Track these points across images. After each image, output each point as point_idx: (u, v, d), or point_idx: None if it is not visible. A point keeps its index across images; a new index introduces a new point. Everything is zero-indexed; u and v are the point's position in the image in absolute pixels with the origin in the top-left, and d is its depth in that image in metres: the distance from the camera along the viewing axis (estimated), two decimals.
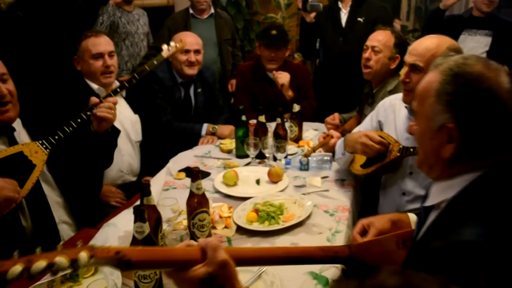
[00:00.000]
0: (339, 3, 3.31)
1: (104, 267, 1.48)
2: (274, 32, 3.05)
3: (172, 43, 2.16)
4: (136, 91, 2.66)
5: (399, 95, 2.07)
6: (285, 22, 5.49)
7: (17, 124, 1.84)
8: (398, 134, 1.97)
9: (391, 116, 2.06)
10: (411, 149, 1.82)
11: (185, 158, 2.52)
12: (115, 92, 1.96)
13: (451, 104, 0.98)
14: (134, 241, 1.32)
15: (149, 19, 4.34)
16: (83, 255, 0.77)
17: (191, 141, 2.78)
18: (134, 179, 2.58)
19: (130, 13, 3.86)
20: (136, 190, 2.44)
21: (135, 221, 1.31)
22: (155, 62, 2.11)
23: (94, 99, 1.90)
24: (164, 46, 2.13)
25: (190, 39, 2.92)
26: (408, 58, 1.79)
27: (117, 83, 2.56)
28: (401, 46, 2.51)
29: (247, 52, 5.30)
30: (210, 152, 2.63)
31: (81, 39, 2.47)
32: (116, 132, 2.05)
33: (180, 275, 0.87)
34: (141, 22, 3.92)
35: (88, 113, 1.86)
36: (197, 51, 2.92)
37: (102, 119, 1.87)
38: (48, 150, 1.78)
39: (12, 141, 1.79)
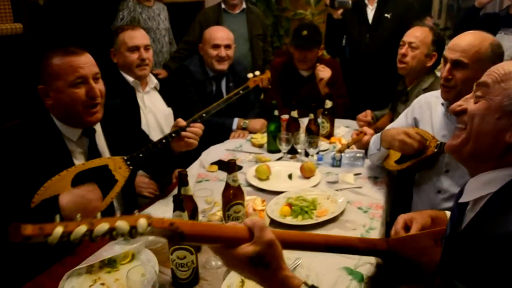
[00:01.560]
0: None
1: (141, 254, 1.51)
2: (305, 32, 3.02)
3: (257, 72, 2.26)
4: (169, 84, 2.70)
5: (435, 93, 2.05)
6: (314, 18, 5.46)
7: (98, 126, 1.84)
8: (435, 132, 1.94)
9: (427, 114, 2.03)
10: None
11: (217, 151, 2.54)
12: (200, 118, 1.97)
13: None
14: None
15: (180, 14, 4.37)
16: (142, 222, 0.79)
17: (222, 135, 2.81)
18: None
19: (151, 8, 3.77)
20: (168, 182, 2.47)
21: (174, 210, 1.33)
22: (241, 92, 2.17)
23: (181, 122, 1.90)
24: (250, 75, 2.23)
25: (220, 34, 2.93)
26: (450, 54, 1.76)
27: (152, 77, 2.60)
28: (438, 43, 2.46)
29: (276, 48, 5.29)
30: (241, 146, 2.64)
31: (118, 33, 2.52)
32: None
33: (229, 252, 0.90)
34: (161, 17, 3.84)
35: (173, 135, 1.87)
36: (227, 46, 2.93)
37: (187, 143, 1.89)
38: (131, 167, 1.78)
39: (92, 143, 1.80)
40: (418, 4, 3.58)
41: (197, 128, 1.92)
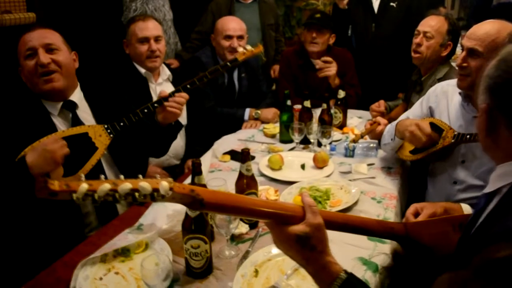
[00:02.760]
0: None
1: (155, 243, 1.52)
2: (318, 15, 3.01)
3: (248, 47, 2.13)
4: (181, 75, 2.68)
5: (452, 81, 2.02)
6: (326, 9, 5.42)
7: (81, 102, 1.89)
8: (451, 121, 1.91)
9: (443, 103, 2.00)
10: (468, 136, 1.76)
11: (229, 141, 2.53)
12: (184, 88, 1.93)
13: None
14: (187, 218, 1.34)
15: (192, 4, 4.35)
16: (165, 185, 0.78)
17: (234, 125, 2.80)
18: (178, 162, 2.61)
19: (156, 0, 3.75)
20: (181, 172, 2.47)
21: None
22: (228, 64, 2.06)
23: (164, 92, 1.90)
24: (240, 49, 2.11)
25: (233, 25, 2.91)
26: (467, 42, 1.73)
27: (164, 68, 2.59)
28: (454, 33, 2.42)
29: (288, 38, 5.25)
30: (253, 136, 2.63)
31: (129, 24, 2.51)
32: (179, 126, 2.05)
33: (280, 228, 0.95)
34: (166, 8, 3.80)
35: (156, 105, 1.86)
36: (240, 37, 2.90)
37: (170, 113, 1.88)
38: (111, 135, 1.81)
39: (75, 117, 1.84)
40: None
41: (180, 97, 1.90)
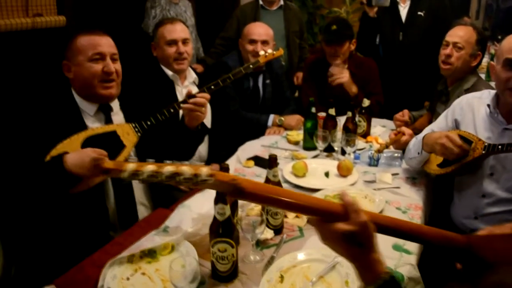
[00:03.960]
0: None
1: (181, 246, 1.53)
2: (334, 27, 2.96)
3: (269, 50, 2.17)
4: (207, 79, 2.71)
5: (477, 94, 2.02)
6: (349, 17, 5.41)
7: (115, 105, 1.95)
8: (479, 133, 1.89)
9: (469, 116, 1.98)
10: (499, 146, 1.73)
11: (252, 147, 2.54)
12: (208, 89, 1.95)
13: None
14: (215, 222, 1.36)
15: (216, 10, 4.40)
16: (205, 170, 0.81)
17: (258, 131, 2.81)
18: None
19: (177, 5, 3.83)
20: None
21: (216, 203, 1.34)
22: (251, 66, 2.10)
23: (189, 90, 1.93)
24: (261, 52, 2.14)
25: (258, 30, 2.93)
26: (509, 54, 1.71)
27: (191, 71, 2.62)
28: (482, 42, 2.40)
29: (310, 45, 5.26)
30: (277, 142, 2.64)
31: (157, 27, 2.55)
32: (205, 129, 2.07)
33: (325, 226, 0.94)
34: (188, 14, 3.88)
35: (182, 104, 1.89)
36: (264, 42, 2.92)
37: (193, 116, 1.90)
38: (139, 134, 1.85)
39: (108, 120, 1.89)
40: (455, 4, 3.53)
41: (201, 97, 1.90)
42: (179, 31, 2.51)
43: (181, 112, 1.97)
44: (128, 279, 1.40)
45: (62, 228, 1.78)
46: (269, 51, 2.17)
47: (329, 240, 0.97)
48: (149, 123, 1.87)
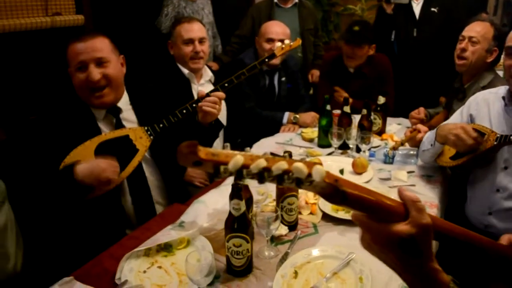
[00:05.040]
0: None
1: (196, 240, 1.55)
2: (356, 28, 2.97)
3: (286, 41, 2.10)
4: (223, 77, 2.73)
5: (493, 89, 2.01)
6: (364, 14, 5.39)
7: (124, 104, 1.92)
8: (493, 127, 1.87)
9: (484, 110, 1.96)
10: (511, 136, 1.71)
11: (267, 144, 2.56)
12: (222, 87, 1.95)
13: None
14: (230, 217, 1.37)
15: (230, 8, 4.41)
16: (320, 169, 0.66)
17: (273, 128, 2.82)
18: None
19: (195, 3, 3.82)
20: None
21: (232, 198, 1.36)
22: (266, 60, 2.05)
23: (201, 92, 1.91)
24: (278, 44, 2.09)
25: (275, 29, 2.94)
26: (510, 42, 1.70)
27: (207, 70, 2.64)
28: (500, 38, 2.36)
29: (324, 43, 5.25)
30: (291, 140, 2.65)
31: (175, 25, 2.58)
32: (220, 125, 2.07)
33: (380, 227, 0.76)
34: (205, 11, 3.88)
35: (194, 105, 1.88)
36: (281, 41, 2.91)
37: (207, 113, 1.89)
38: (152, 137, 1.85)
39: (118, 122, 1.89)
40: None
41: (215, 96, 1.89)
42: (196, 30, 2.53)
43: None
44: (144, 272, 1.43)
45: (80, 225, 1.81)
46: (286, 41, 2.12)
47: (378, 245, 0.78)
48: (161, 125, 1.85)
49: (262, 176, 0.64)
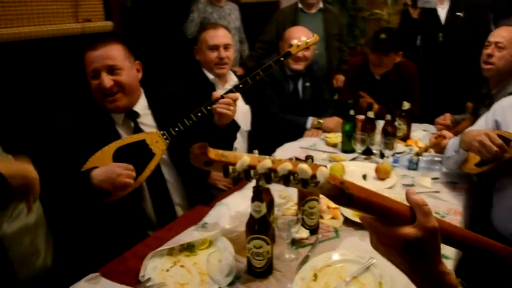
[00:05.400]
0: None
1: (218, 241, 1.58)
2: (383, 36, 2.96)
3: (303, 38, 2.07)
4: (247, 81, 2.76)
5: None
6: (390, 18, 5.35)
7: (141, 108, 1.97)
8: None
9: (510, 116, 1.92)
10: None
11: (291, 149, 2.57)
12: (237, 88, 1.95)
13: None
14: (251, 219, 1.39)
15: (256, 14, 4.45)
16: (325, 171, 0.69)
17: (296, 133, 2.84)
18: None
19: (222, 8, 3.87)
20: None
21: (253, 201, 1.38)
22: (281, 59, 2.02)
23: (215, 94, 1.91)
24: (294, 42, 2.05)
25: (299, 34, 2.94)
26: None
27: (231, 75, 2.68)
28: None
29: (350, 48, 5.23)
30: (315, 144, 2.66)
31: (201, 31, 2.63)
32: (236, 126, 2.09)
33: (386, 229, 0.79)
34: (232, 17, 3.93)
35: (209, 107, 1.89)
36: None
37: (222, 115, 1.90)
38: (168, 141, 1.88)
39: (137, 126, 1.94)
40: (500, 4, 3.44)
41: (228, 97, 1.89)
42: (221, 36, 2.57)
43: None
44: (167, 270, 1.46)
45: (104, 225, 1.87)
46: (303, 38, 2.08)
47: (385, 246, 0.81)
48: (177, 129, 1.88)
49: (269, 176, 0.67)
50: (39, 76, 2.74)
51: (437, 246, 0.79)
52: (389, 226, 0.78)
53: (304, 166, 0.67)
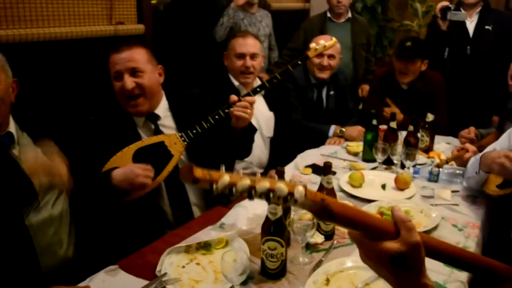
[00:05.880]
0: (462, 10, 3.17)
1: (234, 242, 1.62)
2: (408, 43, 2.96)
3: (321, 41, 2.09)
4: (273, 88, 2.80)
5: None
6: (421, 30, 5.30)
7: (162, 111, 2.03)
8: None
9: None
10: None
11: (312, 155, 2.59)
12: (254, 92, 1.99)
13: None
14: (267, 221, 1.42)
15: (286, 22, 4.49)
16: (301, 190, 0.75)
17: (318, 141, 2.85)
18: (261, 171, 2.71)
19: (253, 15, 3.91)
20: None
21: (269, 203, 1.41)
22: (299, 62, 2.05)
23: (233, 97, 1.95)
24: (312, 45, 2.08)
25: (323, 41, 2.97)
26: None
27: (258, 82, 2.72)
28: None
29: (378, 58, 5.22)
30: (336, 152, 2.67)
31: (230, 38, 2.69)
32: (253, 129, 2.12)
33: (372, 244, 0.84)
34: (263, 24, 3.96)
35: (226, 110, 1.93)
36: (331, 56, 2.95)
37: (238, 118, 1.93)
38: (185, 143, 1.93)
39: (157, 128, 1.99)
40: None
41: (246, 101, 1.92)
42: (249, 45, 2.60)
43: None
44: (183, 267, 1.50)
45: (123, 222, 1.93)
46: (321, 42, 2.09)
47: (372, 260, 0.86)
48: (194, 131, 1.92)
49: (250, 193, 0.74)
50: (73, 75, 2.84)
51: (420, 259, 0.83)
52: (375, 241, 0.83)
53: (280, 185, 0.74)
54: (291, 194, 0.74)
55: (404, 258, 0.81)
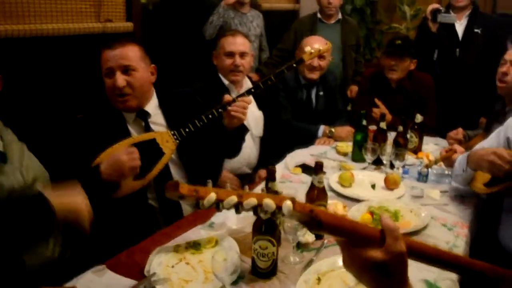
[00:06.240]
0: (451, 13, 3.20)
1: (224, 241, 1.60)
2: (398, 42, 3.01)
3: (316, 45, 2.13)
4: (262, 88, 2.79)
5: None
6: (409, 33, 5.34)
7: (152, 108, 2.00)
8: None
9: None
10: None
11: (301, 155, 2.59)
12: (248, 92, 1.99)
13: None
14: (258, 220, 1.41)
15: (275, 22, 4.49)
16: (289, 204, 0.76)
17: (307, 140, 2.85)
18: (250, 171, 2.70)
19: (244, 15, 3.88)
20: (251, 181, 2.56)
21: None
22: (294, 65, 2.06)
23: (227, 97, 1.96)
24: (307, 48, 2.09)
25: (316, 43, 2.97)
26: None
27: (247, 81, 2.71)
28: None
29: (367, 60, 5.24)
30: (326, 152, 2.67)
31: (220, 37, 2.67)
32: (244, 129, 2.11)
33: (355, 251, 0.83)
34: (254, 24, 3.93)
35: (220, 110, 1.92)
36: (321, 57, 2.95)
37: (234, 117, 1.93)
38: (177, 141, 1.91)
39: (147, 126, 1.97)
40: None
41: (243, 101, 1.93)
42: (238, 44, 2.59)
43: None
44: (172, 266, 1.48)
45: (111, 220, 1.89)
46: (316, 46, 2.12)
47: (355, 267, 0.85)
48: (187, 130, 1.90)
49: (238, 208, 0.76)
50: (59, 72, 2.80)
51: (403, 268, 0.83)
52: (359, 248, 0.83)
53: (268, 200, 0.75)
54: (279, 208, 0.75)
55: (386, 267, 0.81)
